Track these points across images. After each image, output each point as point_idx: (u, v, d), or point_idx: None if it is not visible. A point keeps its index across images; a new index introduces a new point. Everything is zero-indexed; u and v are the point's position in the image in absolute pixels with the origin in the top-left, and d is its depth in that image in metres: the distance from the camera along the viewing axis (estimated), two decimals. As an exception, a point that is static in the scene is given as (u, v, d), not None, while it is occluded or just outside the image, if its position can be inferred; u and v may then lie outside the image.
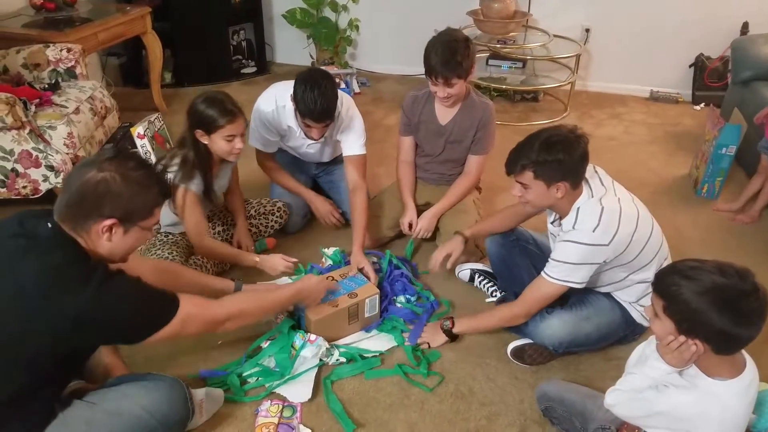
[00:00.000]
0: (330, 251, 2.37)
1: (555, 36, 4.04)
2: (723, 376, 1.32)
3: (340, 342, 2.05)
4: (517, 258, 2.19)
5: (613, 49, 4.31)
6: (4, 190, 2.55)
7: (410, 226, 2.52)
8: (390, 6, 4.49)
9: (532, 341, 2.00)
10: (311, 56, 4.64)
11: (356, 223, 2.39)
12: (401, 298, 2.25)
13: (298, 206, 2.65)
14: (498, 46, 4.01)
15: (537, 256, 2.16)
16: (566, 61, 4.15)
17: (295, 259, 2.26)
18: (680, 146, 3.68)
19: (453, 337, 2.07)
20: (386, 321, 2.15)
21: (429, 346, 2.06)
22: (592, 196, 1.80)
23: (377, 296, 2.09)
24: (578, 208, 1.80)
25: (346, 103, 2.41)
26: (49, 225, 1.41)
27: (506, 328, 2.06)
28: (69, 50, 2.97)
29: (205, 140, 2.12)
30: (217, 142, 2.12)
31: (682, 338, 1.30)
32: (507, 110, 4.12)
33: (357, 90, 4.34)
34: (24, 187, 2.57)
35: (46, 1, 3.34)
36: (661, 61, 4.31)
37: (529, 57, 4.14)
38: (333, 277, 2.14)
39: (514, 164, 1.79)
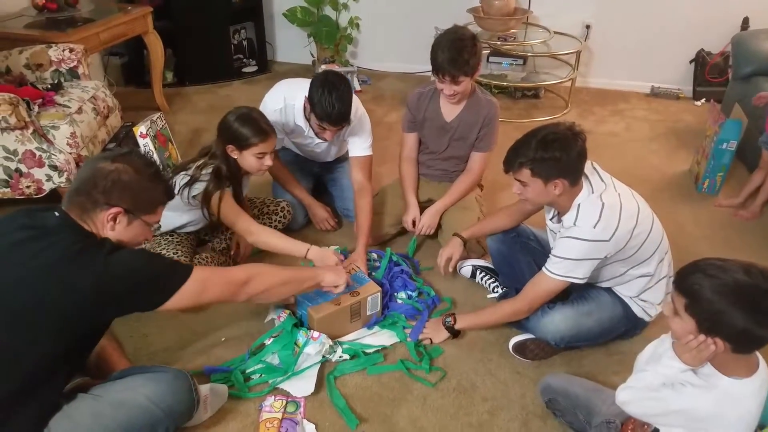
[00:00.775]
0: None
1: (555, 33, 4.05)
2: (739, 375, 1.31)
3: (343, 339, 2.06)
4: (518, 254, 2.21)
5: (614, 45, 4.31)
6: (8, 189, 2.57)
7: (413, 223, 2.53)
8: (391, 4, 4.49)
9: (533, 336, 2.01)
10: (312, 55, 4.65)
11: (361, 225, 2.41)
12: (402, 295, 2.26)
13: (301, 204, 2.67)
14: (499, 43, 4.01)
15: (538, 252, 2.18)
16: (567, 58, 4.16)
17: (342, 257, 2.24)
18: (681, 142, 3.69)
19: (455, 333, 2.08)
20: (387, 317, 2.16)
21: (431, 342, 2.08)
22: (593, 192, 1.81)
23: (379, 294, 2.10)
24: (579, 205, 1.81)
25: (355, 103, 2.43)
26: (57, 214, 1.49)
27: (508, 324, 2.07)
28: (71, 50, 2.98)
29: (235, 155, 2.16)
30: (248, 159, 2.16)
31: (702, 337, 1.29)
32: (508, 107, 4.12)
33: (358, 88, 4.34)
34: (28, 187, 2.59)
35: (48, 2, 3.35)
36: (662, 57, 4.31)
37: (529, 54, 4.14)
38: (353, 269, 2.18)
39: (512, 162, 1.81)
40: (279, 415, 1.76)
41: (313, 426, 1.76)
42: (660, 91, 4.38)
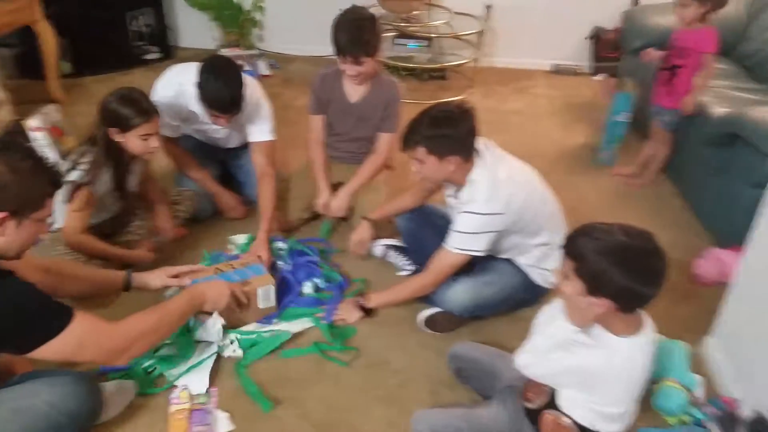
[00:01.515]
0: (242, 238, 2.35)
1: (456, 13, 4.12)
2: (626, 333, 1.40)
3: (244, 329, 2.02)
4: (425, 230, 2.28)
5: (515, 24, 4.43)
6: None
7: (325, 206, 2.54)
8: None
9: (442, 309, 2.08)
10: (213, 39, 4.53)
11: (263, 210, 2.39)
12: (308, 285, 2.22)
13: (207, 193, 2.60)
14: (402, 25, 4.05)
15: (443, 228, 2.23)
16: (471, 39, 4.25)
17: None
18: (580, 117, 3.86)
19: (368, 312, 2.12)
20: (286, 311, 2.12)
21: (345, 322, 2.11)
22: (485, 168, 1.88)
23: (272, 286, 2.05)
24: (472, 180, 1.89)
25: (251, 87, 2.38)
26: None
27: (418, 299, 2.13)
28: (-54, 41, 2.77)
29: (119, 138, 2.08)
30: (133, 141, 2.08)
31: (591, 298, 1.36)
32: (417, 89, 4.18)
33: (267, 72, 4.27)
34: None
35: None
36: (561, 35, 4.47)
37: (433, 35, 4.20)
38: (233, 266, 2.10)
39: (408, 141, 1.88)
40: (187, 406, 1.75)
41: (226, 414, 1.76)
42: (561, 68, 4.56)
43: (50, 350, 1.44)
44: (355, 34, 2.25)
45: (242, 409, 1.79)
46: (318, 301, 2.18)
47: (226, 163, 2.79)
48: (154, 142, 2.12)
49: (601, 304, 1.35)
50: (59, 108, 3.05)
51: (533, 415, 1.57)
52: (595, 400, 1.46)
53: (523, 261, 2.09)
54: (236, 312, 1.99)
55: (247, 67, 4.09)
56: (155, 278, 2.01)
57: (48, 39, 3.57)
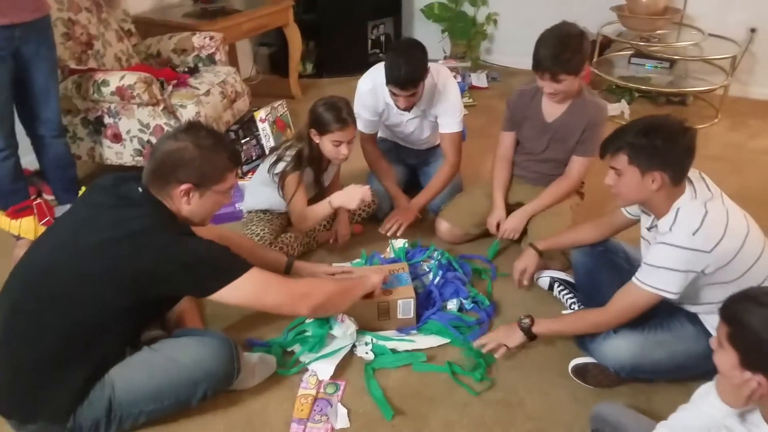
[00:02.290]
0: (399, 243, 2.36)
1: (710, 35, 3.62)
2: None
3: (383, 334, 2.03)
4: (603, 270, 2.03)
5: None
6: (141, 158, 2.90)
7: (498, 226, 2.44)
8: (531, 0, 4.32)
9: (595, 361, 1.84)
10: (444, 51, 4.63)
11: (429, 186, 2.59)
12: (453, 301, 2.13)
13: (387, 193, 2.67)
14: (642, 44, 3.69)
15: (627, 272, 1.96)
16: (723, 64, 3.70)
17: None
18: None
19: (532, 337, 1.89)
20: (427, 324, 2.06)
21: (507, 348, 1.89)
22: (696, 198, 1.61)
23: (412, 300, 2.01)
24: (678, 209, 1.62)
25: (443, 76, 2.47)
26: (140, 189, 1.62)
27: (576, 340, 1.92)
28: (211, 38, 3.28)
29: (317, 139, 2.28)
30: (326, 144, 2.27)
31: (746, 374, 1.13)
32: (649, 112, 3.77)
33: (484, 84, 4.25)
34: (157, 158, 2.91)
35: (202, -9, 3.73)
36: None
37: (677, 57, 3.75)
38: (392, 270, 2.12)
39: (609, 145, 1.67)
40: (313, 392, 1.81)
41: (346, 411, 1.78)
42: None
43: (235, 293, 1.58)
44: (556, 51, 2.11)
45: (363, 410, 1.79)
46: (459, 319, 2.09)
47: (415, 169, 2.84)
48: (345, 150, 2.27)
49: (755, 382, 1.10)
50: (287, 103, 3.41)
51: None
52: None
53: (713, 323, 1.74)
54: (375, 318, 2.02)
55: (458, 79, 4.12)
56: (316, 268, 2.15)
57: (294, 41, 4.03)
